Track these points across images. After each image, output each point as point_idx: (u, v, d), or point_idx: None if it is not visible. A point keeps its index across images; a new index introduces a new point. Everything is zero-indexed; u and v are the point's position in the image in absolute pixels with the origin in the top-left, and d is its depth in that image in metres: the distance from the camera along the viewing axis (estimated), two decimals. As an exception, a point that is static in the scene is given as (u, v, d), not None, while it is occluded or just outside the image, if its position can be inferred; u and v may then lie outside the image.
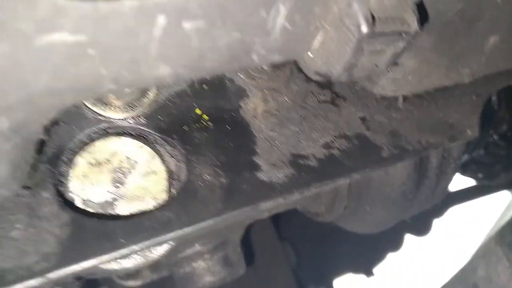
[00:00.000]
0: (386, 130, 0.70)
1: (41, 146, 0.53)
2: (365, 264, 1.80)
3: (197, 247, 0.85)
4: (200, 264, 0.86)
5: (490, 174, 1.15)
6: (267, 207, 0.56)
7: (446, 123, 0.73)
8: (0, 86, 0.34)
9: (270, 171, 0.60)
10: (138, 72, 0.40)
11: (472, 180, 2.07)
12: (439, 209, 2.13)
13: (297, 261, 1.56)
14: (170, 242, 0.65)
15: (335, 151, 0.65)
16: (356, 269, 1.79)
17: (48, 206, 0.53)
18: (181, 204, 0.55)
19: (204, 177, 0.58)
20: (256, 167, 0.61)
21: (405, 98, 0.76)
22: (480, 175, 1.18)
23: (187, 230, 0.52)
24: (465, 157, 1.12)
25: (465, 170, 1.17)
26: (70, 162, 0.59)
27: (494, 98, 1.05)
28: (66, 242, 0.49)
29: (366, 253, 1.79)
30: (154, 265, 1.19)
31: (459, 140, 0.71)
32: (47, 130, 0.46)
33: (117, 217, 0.54)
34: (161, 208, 0.54)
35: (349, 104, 0.74)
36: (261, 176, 0.60)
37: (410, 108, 0.75)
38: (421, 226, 1.99)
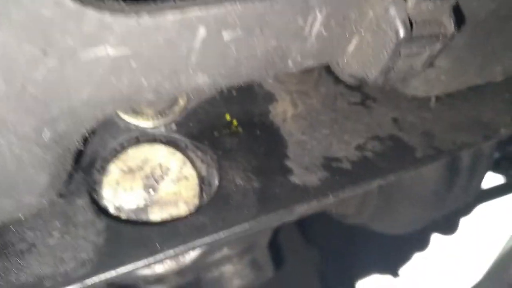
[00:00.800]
0: (418, 130, 0.69)
1: (78, 155, 0.54)
2: (391, 265, 1.78)
3: (226, 251, 0.86)
4: (228, 268, 0.87)
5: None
6: (302, 210, 0.56)
7: (479, 122, 0.72)
8: (45, 99, 0.35)
9: (303, 174, 0.60)
10: (178, 82, 0.40)
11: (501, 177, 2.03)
12: (466, 207, 2.09)
13: (322, 263, 1.55)
14: (202, 247, 0.65)
15: (368, 153, 0.64)
16: (382, 270, 1.77)
17: (83, 213, 0.54)
18: (214, 209, 0.55)
19: (237, 182, 0.58)
20: (288, 171, 0.60)
21: (437, 98, 0.74)
22: (511, 172, 1.15)
23: (222, 234, 0.52)
24: (497, 154, 1.09)
25: (496, 167, 1.14)
26: (103, 170, 0.60)
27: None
28: (102, 248, 0.49)
29: (392, 254, 1.76)
30: (181, 270, 1.20)
31: (493, 139, 0.69)
32: (85, 140, 0.47)
33: (152, 223, 0.55)
34: (195, 213, 0.54)
35: (380, 105, 0.73)
36: (294, 179, 0.59)
37: (442, 108, 0.74)
38: (448, 225, 1.95)
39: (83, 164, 0.59)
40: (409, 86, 0.68)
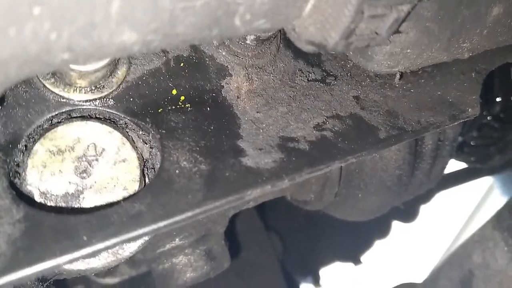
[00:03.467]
0: (382, 109, 0.64)
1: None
2: (352, 253, 1.76)
3: (177, 241, 0.79)
4: (181, 260, 0.80)
5: (484, 157, 1.11)
6: (254, 195, 0.50)
7: (445, 102, 0.68)
8: None
9: (256, 156, 0.54)
10: (97, 38, 0.33)
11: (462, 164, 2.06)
12: (426, 195, 2.10)
13: (283, 251, 1.51)
14: (144, 238, 0.58)
15: (327, 133, 0.59)
16: (344, 258, 1.75)
17: (-1, 200, 0.45)
18: (154, 194, 0.48)
19: (182, 164, 0.52)
20: (240, 152, 0.54)
21: (401, 76, 0.70)
22: (473, 159, 1.14)
23: (161, 224, 0.45)
24: (458, 140, 1.07)
25: (457, 154, 1.12)
26: (27, 151, 0.52)
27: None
28: (18, 242, 0.42)
29: (354, 241, 1.75)
30: (132, 261, 1.12)
31: (460, 119, 0.65)
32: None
33: (79, 211, 0.47)
34: (130, 199, 0.47)
35: (341, 82, 0.68)
36: (247, 161, 0.53)
37: (407, 86, 0.69)
38: (408, 212, 1.96)
39: (3, 143, 0.50)
40: (373, 60, 0.63)
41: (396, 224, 1.94)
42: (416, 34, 0.59)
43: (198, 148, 0.54)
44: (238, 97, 0.61)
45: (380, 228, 1.80)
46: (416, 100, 0.67)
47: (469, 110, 0.67)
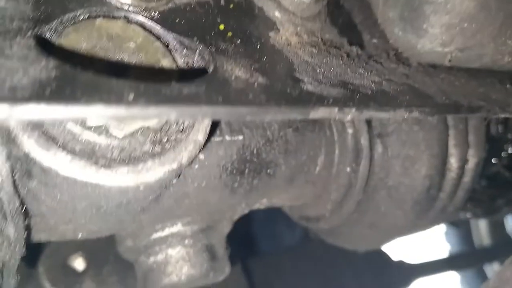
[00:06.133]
0: (432, 87, 0.60)
1: None
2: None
3: (179, 226, 0.67)
4: (178, 251, 0.67)
5: (491, 209, 1.07)
6: (320, 114, 0.43)
7: (490, 98, 0.65)
8: None
9: (317, 86, 0.48)
10: None
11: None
12: (404, 281, 2.01)
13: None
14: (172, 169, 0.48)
15: (386, 88, 0.53)
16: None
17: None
18: (211, 84, 0.40)
19: (237, 74, 0.44)
20: (299, 81, 0.48)
21: (446, 70, 0.68)
22: (479, 211, 1.09)
23: (223, 110, 0.37)
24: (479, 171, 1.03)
25: (465, 205, 1.08)
26: (57, 33, 0.44)
27: (498, 118, 1.00)
28: (47, 84, 0.32)
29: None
30: (101, 279, 0.95)
31: (508, 112, 0.62)
32: None
33: (122, 74, 0.39)
34: (182, 82, 0.39)
35: (388, 62, 0.64)
36: (308, 87, 0.47)
37: (450, 78, 0.67)
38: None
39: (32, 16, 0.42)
40: (426, 35, 0.61)
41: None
42: (476, 7, 0.58)
43: (252, 67, 0.47)
44: (288, 45, 0.56)
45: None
46: (462, 90, 0.64)
47: (514, 107, 0.64)
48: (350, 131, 0.75)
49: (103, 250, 0.95)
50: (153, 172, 0.45)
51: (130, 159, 0.45)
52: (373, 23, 0.70)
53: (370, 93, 0.50)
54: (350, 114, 0.45)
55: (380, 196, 0.77)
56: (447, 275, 2.40)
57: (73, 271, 0.91)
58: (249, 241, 2.02)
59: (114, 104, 0.32)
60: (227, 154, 0.64)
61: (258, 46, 0.53)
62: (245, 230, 1.99)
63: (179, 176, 0.60)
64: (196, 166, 0.62)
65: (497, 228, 2.41)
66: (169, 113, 0.34)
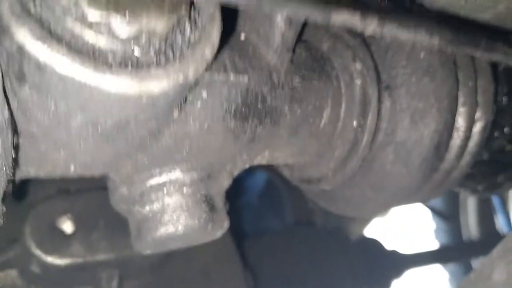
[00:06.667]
0: (448, 26, 0.58)
1: None
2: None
3: (177, 173, 0.63)
4: (176, 200, 0.63)
5: (492, 185, 1.05)
6: (340, 20, 0.39)
7: (505, 43, 0.63)
8: None
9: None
10: None
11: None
12: (397, 270, 1.99)
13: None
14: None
15: (404, 12, 0.50)
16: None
17: None
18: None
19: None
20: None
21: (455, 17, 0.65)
22: (480, 187, 1.07)
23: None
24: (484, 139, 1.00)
25: (464, 183, 1.05)
26: None
27: (503, 89, 0.98)
28: None
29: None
30: (89, 243, 0.90)
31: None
32: None
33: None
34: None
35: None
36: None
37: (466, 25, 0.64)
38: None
39: None
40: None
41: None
42: None
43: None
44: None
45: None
46: (478, 34, 0.62)
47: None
48: (358, 82, 0.71)
49: (93, 215, 0.91)
50: (157, 81, 0.41)
51: (133, 64, 0.41)
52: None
53: (390, 11, 0.47)
54: (372, 25, 0.42)
55: (386, 153, 0.73)
56: (436, 268, 2.40)
57: (61, 233, 0.86)
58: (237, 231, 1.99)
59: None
60: (231, 94, 0.61)
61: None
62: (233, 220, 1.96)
63: (181, 111, 0.57)
64: (199, 104, 0.58)
65: (485, 223, 2.42)
66: None
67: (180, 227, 0.63)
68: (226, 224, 0.68)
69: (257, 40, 0.63)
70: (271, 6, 0.35)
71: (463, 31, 0.55)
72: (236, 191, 1.99)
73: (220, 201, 0.68)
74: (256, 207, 2.11)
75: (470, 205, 2.42)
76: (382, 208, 0.88)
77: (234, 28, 0.65)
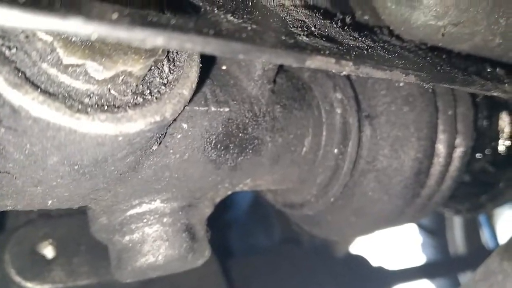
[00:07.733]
0: (426, 60, 0.59)
1: None
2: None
3: (158, 203, 0.63)
4: (156, 230, 0.63)
5: (475, 206, 1.06)
6: (316, 64, 0.40)
7: (482, 75, 0.64)
8: None
9: (312, 39, 0.45)
10: None
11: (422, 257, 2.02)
12: (384, 286, 1.99)
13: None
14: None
15: (381, 52, 0.51)
16: None
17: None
18: (201, 20, 0.37)
19: (228, 18, 0.42)
20: (293, 34, 0.45)
21: (433, 49, 0.66)
22: (463, 208, 1.08)
23: (212, 41, 0.34)
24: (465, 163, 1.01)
25: (447, 204, 1.06)
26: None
27: (483, 113, 1.00)
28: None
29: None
30: (71, 270, 0.89)
31: (500, 90, 0.61)
32: None
33: None
34: (166, 15, 0.35)
35: (382, 36, 0.63)
36: (302, 39, 0.44)
37: (444, 55, 0.66)
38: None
39: None
40: (420, 8, 0.60)
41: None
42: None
43: (245, 16, 0.44)
44: (282, 5, 0.54)
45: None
46: (455, 66, 0.63)
47: (506, 86, 0.63)
48: (338, 110, 0.72)
49: (75, 239, 0.90)
50: (133, 122, 0.41)
51: (110, 106, 0.41)
52: (364, 0, 0.69)
53: (366, 53, 0.48)
54: (347, 68, 0.42)
55: (368, 180, 0.74)
56: (423, 283, 2.40)
57: (42, 258, 0.85)
58: (224, 248, 1.97)
59: (95, 20, 0.29)
60: (212, 125, 0.61)
61: (250, 3, 0.51)
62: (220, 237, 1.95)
63: (160, 143, 0.57)
64: (179, 136, 0.58)
65: (472, 237, 2.44)
66: (155, 38, 0.31)
67: (160, 257, 0.62)
68: (207, 252, 0.68)
69: (238, 71, 0.64)
70: (246, 55, 0.36)
71: (439, 67, 0.56)
72: (223, 207, 1.99)
73: (201, 230, 0.68)
74: (244, 223, 2.10)
75: (456, 220, 2.43)
76: (364, 232, 0.89)
77: (215, 60, 0.65)
